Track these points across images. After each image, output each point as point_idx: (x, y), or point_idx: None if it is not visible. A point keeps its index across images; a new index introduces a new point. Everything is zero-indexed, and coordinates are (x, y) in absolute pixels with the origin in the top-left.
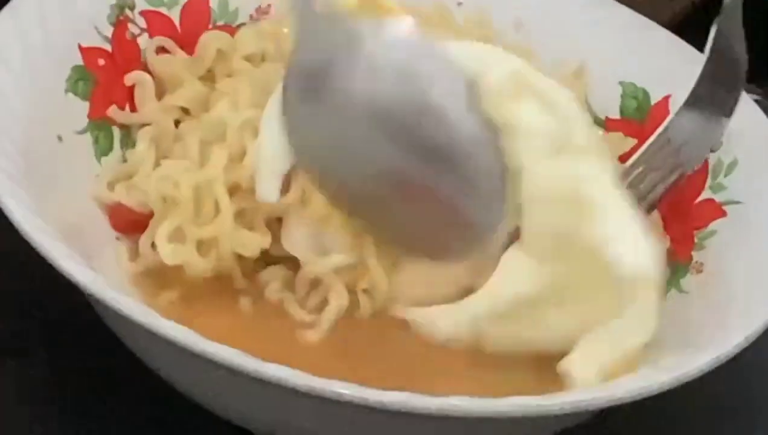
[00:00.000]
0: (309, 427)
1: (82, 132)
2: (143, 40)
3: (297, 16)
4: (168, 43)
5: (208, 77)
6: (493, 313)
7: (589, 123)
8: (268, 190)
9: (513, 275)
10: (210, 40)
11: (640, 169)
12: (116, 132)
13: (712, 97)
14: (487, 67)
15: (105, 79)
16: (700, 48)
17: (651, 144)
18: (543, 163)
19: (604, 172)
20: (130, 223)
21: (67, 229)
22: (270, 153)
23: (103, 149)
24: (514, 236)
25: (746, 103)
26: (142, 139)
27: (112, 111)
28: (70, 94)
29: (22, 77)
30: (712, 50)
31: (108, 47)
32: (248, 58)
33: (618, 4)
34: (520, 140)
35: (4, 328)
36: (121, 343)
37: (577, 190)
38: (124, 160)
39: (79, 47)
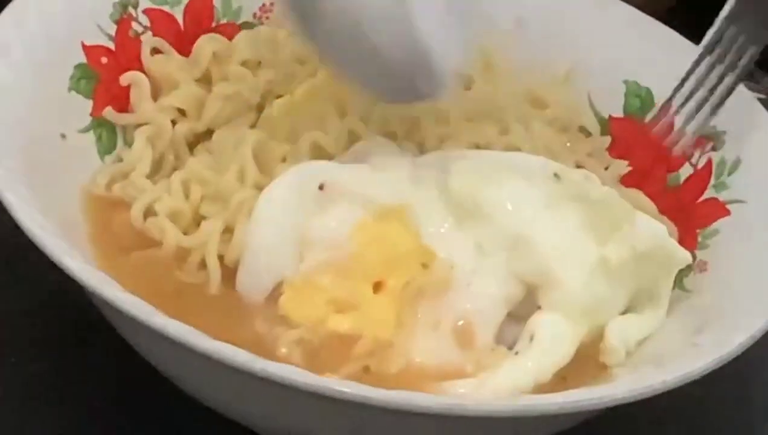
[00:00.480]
0: (312, 427)
1: (86, 130)
2: (146, 38)
3: None
4: (163, 44)
5: (204, 79)
6: (539, 382)
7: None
8: (251, 285)
9: (555, 343)
10: (206, 44)
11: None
12: (119, 130)
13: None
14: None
15: (108, 77)
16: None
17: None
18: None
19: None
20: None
21: (70, 226)
22: (266, 247)
23: (106, 147)
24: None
25: (750, 101)
26: (139, 138)
27: (108, 112)
28: (74, 92)
29: (25, 75)
30: None
31: (111, 45)
32: (244, 64)
33: (620, 3)
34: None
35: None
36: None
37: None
38: (120, 160)
39: (82, 45)
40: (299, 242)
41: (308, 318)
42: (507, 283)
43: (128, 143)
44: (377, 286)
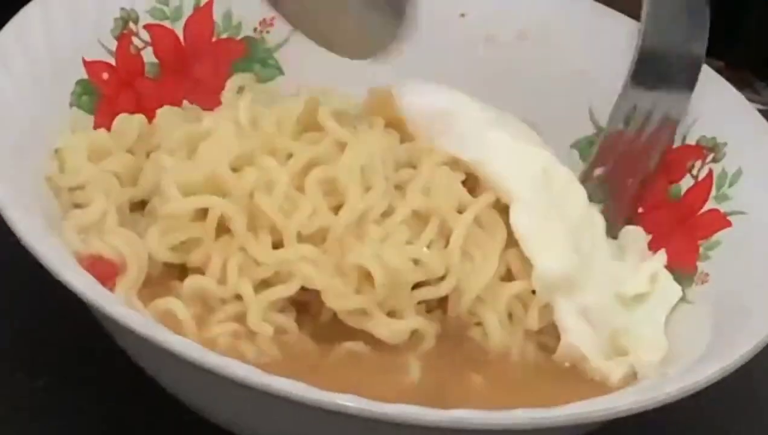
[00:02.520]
0: None
1: None
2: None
3: None
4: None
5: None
6: None
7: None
8: None
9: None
10: (126, 127)
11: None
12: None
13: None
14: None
15: (109, 92)
16: None
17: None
18: None
19: None
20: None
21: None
22: None
23: None
24: None
25: (750, 112)
26: (95, 198)
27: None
28: (75, 108)
29: (27, 90)
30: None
31: (112, 60)
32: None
33: (620, 15)
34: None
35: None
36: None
37: None
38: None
39: (83, 61)
40: None
41: None
42: None
43: None
44: None
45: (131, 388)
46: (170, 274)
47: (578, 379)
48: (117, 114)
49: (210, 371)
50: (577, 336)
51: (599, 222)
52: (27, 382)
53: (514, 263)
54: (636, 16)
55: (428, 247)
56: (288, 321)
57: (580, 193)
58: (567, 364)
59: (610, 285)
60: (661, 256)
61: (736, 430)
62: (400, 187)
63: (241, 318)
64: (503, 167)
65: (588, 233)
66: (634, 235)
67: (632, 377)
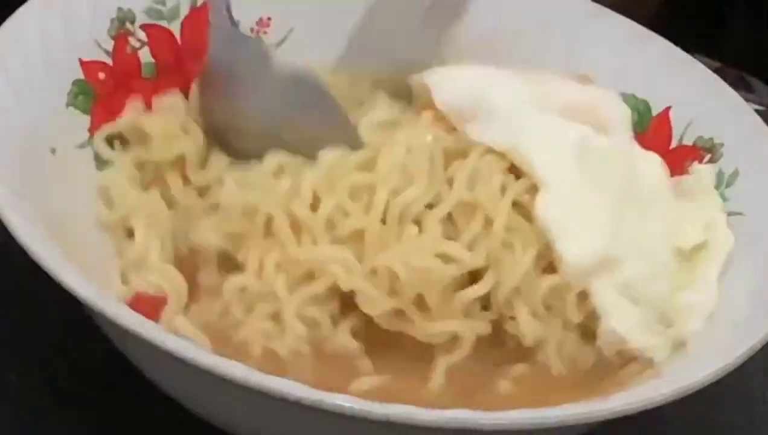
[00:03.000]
0: None
1: (83, 146)
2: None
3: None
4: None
5: None
6: None
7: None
8: None
9: None
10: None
11: None
12: (117, 146)
13: None
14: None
15: (105, 93)
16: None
17: None
18: None
19: None
20: (152, 307)
21: (68, 244)
22: None
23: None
24: None
25: (747, 114)
26: (138, 228)
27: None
28: (71, 108)
29: (23, 92)
30: None
31: (109, 61)
32: None
33: (618, 15)
34: None
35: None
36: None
37: None
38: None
39: (80, 61)
40: None
41: None
42: None
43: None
44: None
45: (130, 391)
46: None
47: (610, 379)
48: (113, 114)
49: (208, 372)
50: (617, 318)
51: (652, 171)
52: (19, 383)
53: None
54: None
55: (473, 240)
56: (323, 316)
57: (621, 161)
58: (610, 352)
59: (665, 241)
60: (717, 199)
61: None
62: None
63: (277, 316)
64: (533, 152)
65: (634, 198)
66: (702, 173)
67: (681, 348)
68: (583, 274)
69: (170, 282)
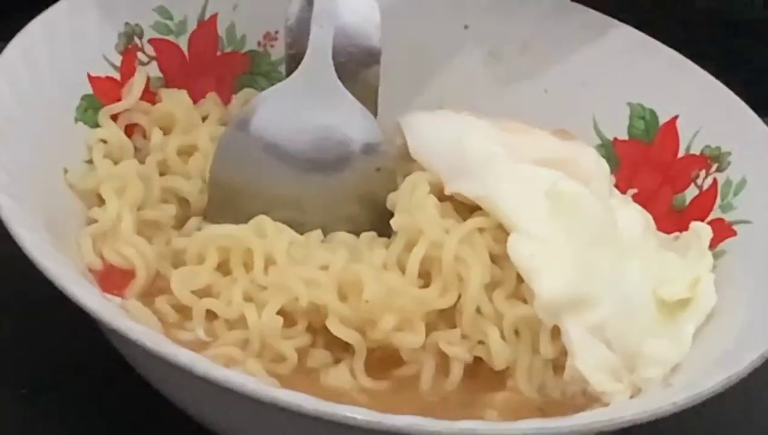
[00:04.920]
0: None
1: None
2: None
3: None
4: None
5: None
6: None
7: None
8: None
9: None
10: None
11: None
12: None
13: None
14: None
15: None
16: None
17: None
18: None
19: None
20: (120, 280)
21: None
22: None
23: None
24: None
25: (754, 122)
26: (108, 196)
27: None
28: (80, 123)
29: (32, 106)
30: None
31: (117, 76)
32: None
33: (622, 25)
34: None
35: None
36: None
37: None
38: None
39: (88, 76)
40: None
41: None
42: None
43: None
44: None
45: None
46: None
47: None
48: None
49: (217, 384)
50: (583, 358)
51: (634, 219)
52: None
53: (524, 291)
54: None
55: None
56: (289, 349)
57: (595, 205)
58: (574, 389)
59: (645, 288)
60: (708, 258)
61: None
62: None
63: (244, 344)
64: (504, 198)
65: (610, 243)
66: (700, 231)
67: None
68: (553, 309)
69: (141, 257)
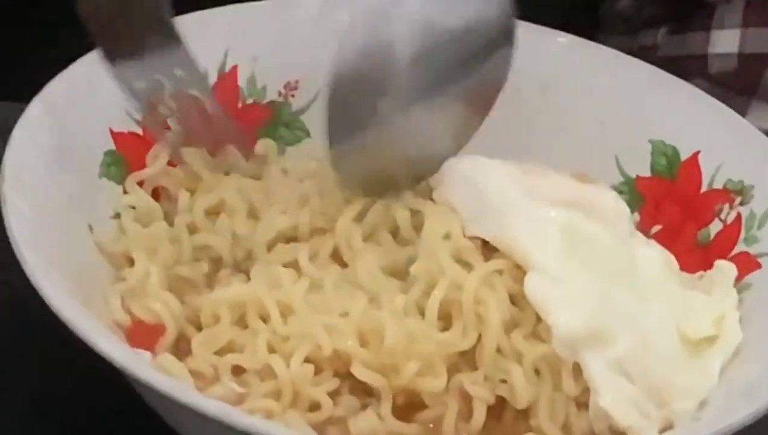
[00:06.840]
0: None
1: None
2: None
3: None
4: None
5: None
6: None
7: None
8: None
9: None
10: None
11: None
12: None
13: None
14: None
15: (137, 162)
16: None
17: None
18: None
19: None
20: (149, 336)
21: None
22: None
23: None
24: None
25: None
26: (139, 257)
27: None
28: (104, 179)
29: (55, 163)
30: None
31: (139, 131)
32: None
33: (641, 63)
34: None
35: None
36: None
37: None
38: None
39: (111, 132)
40: None
41: None
42: None
43: None
44: None
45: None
46: None
47: None
48: (143, 182)
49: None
50: (605, 394)
51: (654, 259)
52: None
53: (544, 331)
54: None
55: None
56: (322, 396)
57: (612, 243)
58: (601, 426)
59: (668, 325)
60: (733, 296)
61: None
62: None
63: (277, 395)
64: (520, 239)
65: (628, 280)
66: (725, 269)
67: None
68: (571, 345)
69: (168, 311)
